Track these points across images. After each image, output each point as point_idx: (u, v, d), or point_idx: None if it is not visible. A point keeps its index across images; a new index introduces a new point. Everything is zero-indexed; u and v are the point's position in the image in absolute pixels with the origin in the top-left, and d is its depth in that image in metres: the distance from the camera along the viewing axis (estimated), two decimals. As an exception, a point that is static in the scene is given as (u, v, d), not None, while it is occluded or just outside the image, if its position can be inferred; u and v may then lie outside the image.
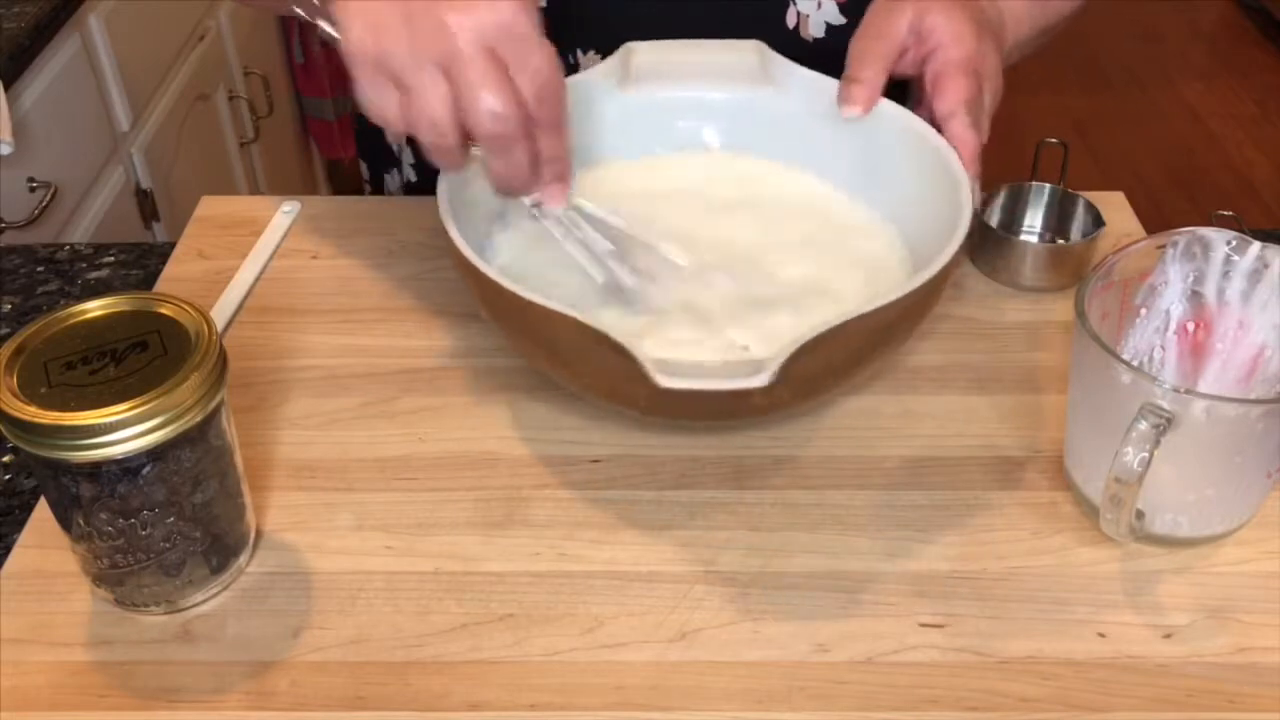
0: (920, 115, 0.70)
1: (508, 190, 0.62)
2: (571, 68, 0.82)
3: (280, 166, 2.09)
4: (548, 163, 0.61)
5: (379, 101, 0.58)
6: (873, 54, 0.70)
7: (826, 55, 0.76)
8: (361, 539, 0.61)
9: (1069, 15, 0.86)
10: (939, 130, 0.68)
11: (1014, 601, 0.58)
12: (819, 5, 0.83)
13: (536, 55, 0.58)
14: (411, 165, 0.95)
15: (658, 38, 0.76)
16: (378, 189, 1.00)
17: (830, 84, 0.72)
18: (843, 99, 0.70)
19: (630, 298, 0.65)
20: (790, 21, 0.83)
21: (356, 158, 1.02)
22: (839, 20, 0.83)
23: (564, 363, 0.61)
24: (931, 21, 0.69)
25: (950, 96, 0.68)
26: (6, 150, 1.16)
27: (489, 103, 0.56)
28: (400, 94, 0.58)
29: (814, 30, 0.83)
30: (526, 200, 0.64)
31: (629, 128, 0.75)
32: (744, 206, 0.74)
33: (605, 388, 0.61)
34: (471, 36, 0.56)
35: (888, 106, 0.71)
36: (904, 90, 0.76)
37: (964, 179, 0.66)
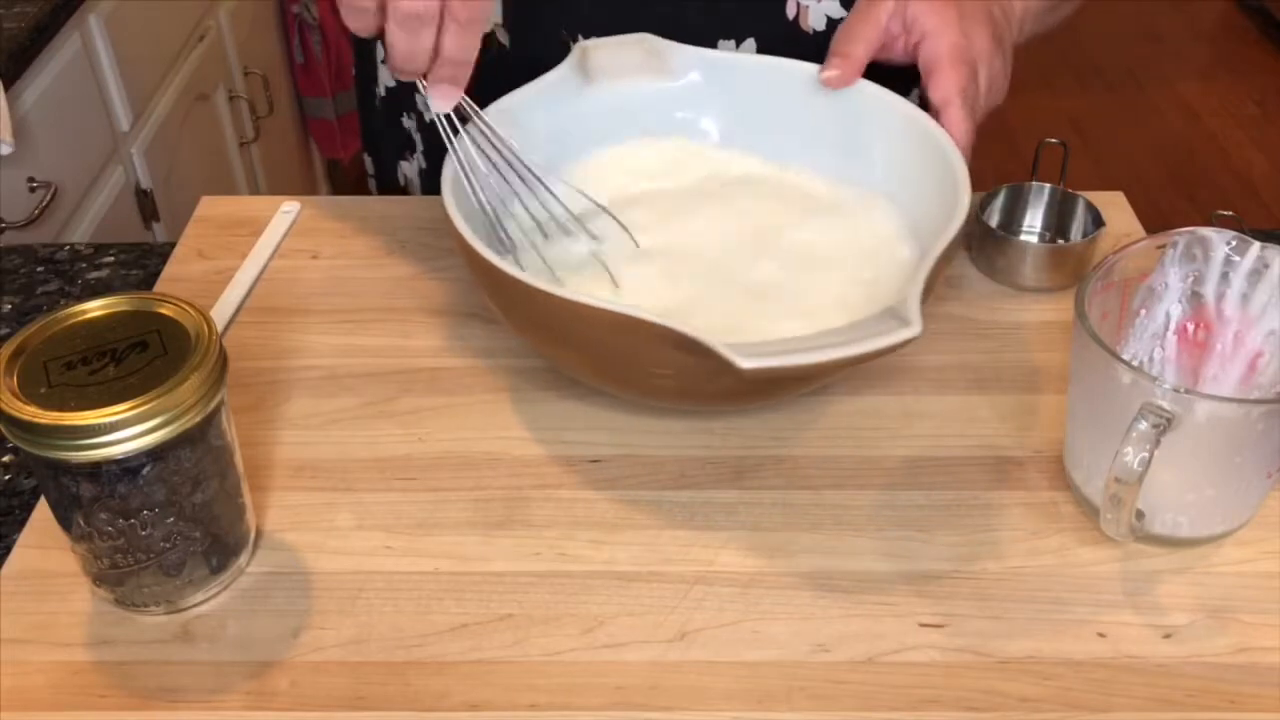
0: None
1: (400, 69, 0.63)
2: None
3: (280, 166, 2.09)
4: (447, 61, 0.63)
5: None
6: (856, 33, 0.72)
7: (828, 49, 0.77)
8: (361, 539, 0.61)
9: None
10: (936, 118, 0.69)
11: (1014, 601, 0.58)
12: None
13: None
14: (423, 153, 0.95)
15: (659, 26, 0.77)
16: (385, 183, 1.00)
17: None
18: (823, 69, 0.72)
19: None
20: (790, 12, 0.83)
21: (356, 157, 1.02)
22: (839, 13, 0.83)
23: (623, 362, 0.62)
24: (915, 9, 0.71)
25: (944, 86, 0.69)
26: (6, 150, 1.16)
27: None
28: None
29: (814, 23, 0.83)
30: (420, 104, 0.67)
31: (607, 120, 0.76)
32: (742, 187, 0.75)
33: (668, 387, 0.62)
34: None
35: (870, 88, 0.72)
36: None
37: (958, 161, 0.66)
